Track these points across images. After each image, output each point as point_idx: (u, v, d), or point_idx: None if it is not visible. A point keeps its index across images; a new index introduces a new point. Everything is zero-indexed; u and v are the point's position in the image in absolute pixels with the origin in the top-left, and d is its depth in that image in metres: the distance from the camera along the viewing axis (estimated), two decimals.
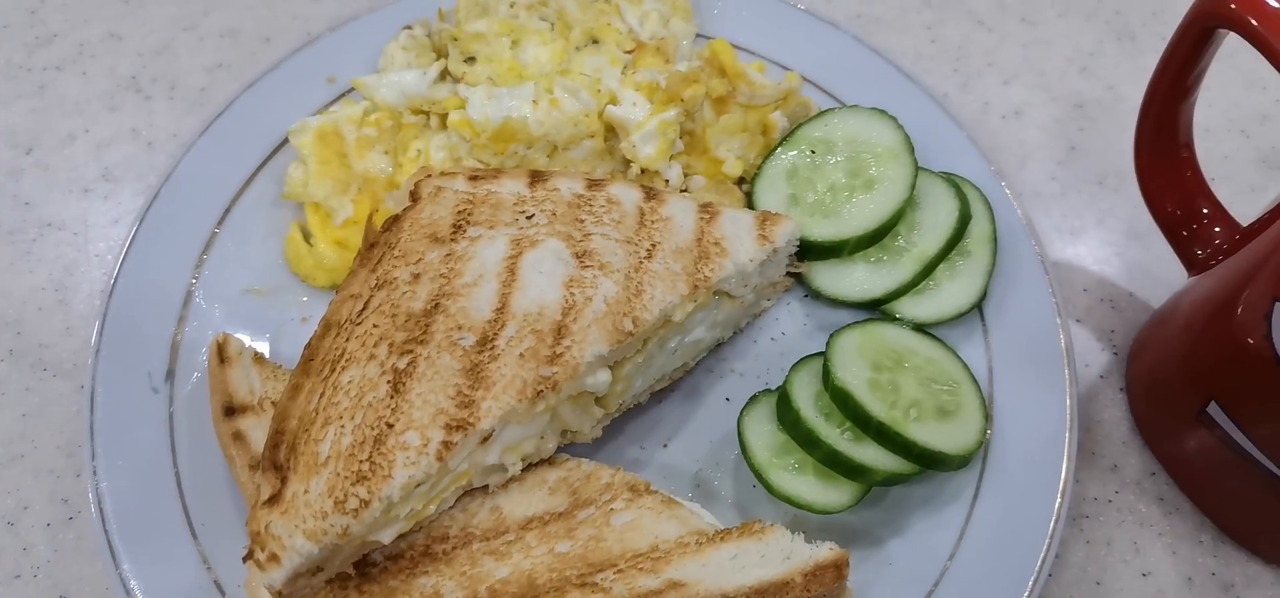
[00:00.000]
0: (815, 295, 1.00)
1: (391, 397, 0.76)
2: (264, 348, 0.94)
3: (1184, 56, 0.86)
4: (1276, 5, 0.76)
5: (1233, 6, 0.78)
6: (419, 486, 0.73)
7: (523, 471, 0.83)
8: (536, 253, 0.87)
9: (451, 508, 0.80)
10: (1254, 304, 0.79)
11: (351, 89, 1.05)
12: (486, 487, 0.81)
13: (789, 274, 1.00)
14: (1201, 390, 0.87)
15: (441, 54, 1.04)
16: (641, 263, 0.88)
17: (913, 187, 0.97)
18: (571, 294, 0.84)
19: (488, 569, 0.76)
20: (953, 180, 0.99)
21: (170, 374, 0.92)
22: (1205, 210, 0.94)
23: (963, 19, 1.22)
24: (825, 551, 0.79)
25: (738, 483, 0.91)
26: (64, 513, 0.92)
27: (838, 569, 0.78)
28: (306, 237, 0.98)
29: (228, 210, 1.00)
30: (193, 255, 0.97)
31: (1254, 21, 0.76)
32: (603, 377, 0.82)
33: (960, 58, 1.19)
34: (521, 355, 0.79)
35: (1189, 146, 0.93)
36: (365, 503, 0.70)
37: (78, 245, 1.06)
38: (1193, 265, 0.94)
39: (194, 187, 1.00)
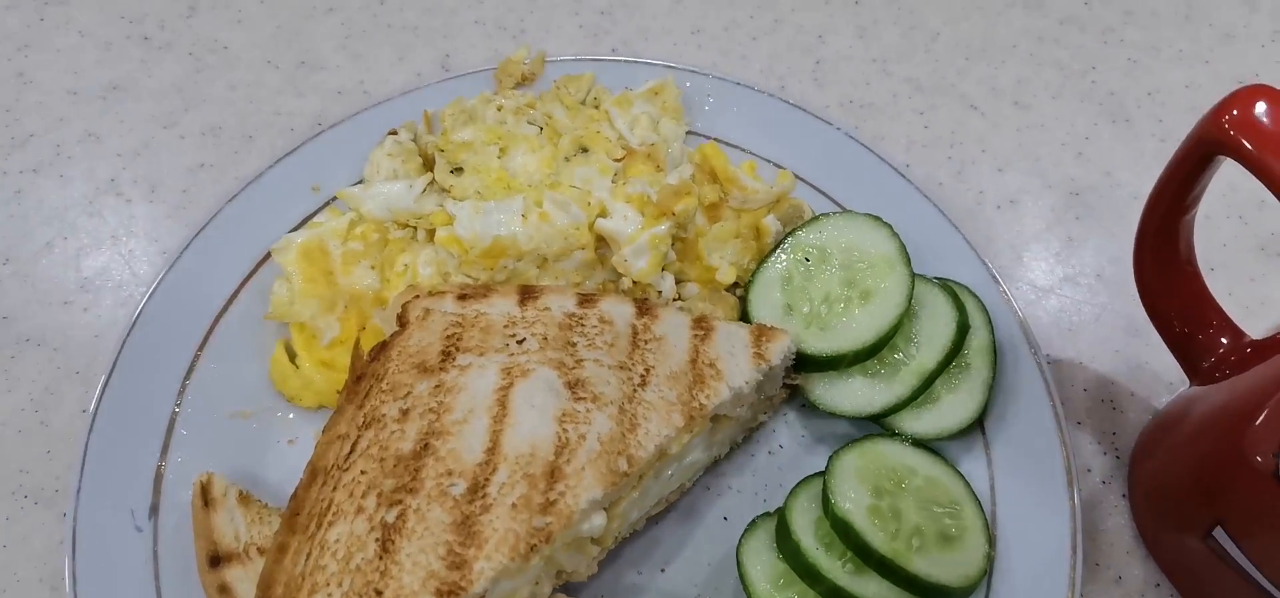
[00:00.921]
0: (812, 407, 0.98)
1: (380, 558, 0.73)
2: (250, 474, 0.92)
3: (1182, 179, 0.84)
4: (1275, 130, 0.75)
5: (1232, 134, 0.76)
6: None
7: None
8: (528, 385, 0.85)
9: None
10: (1266, 431, 0.77)
11: (335, 198, 1.02)
12: None
13: (785, 385, 0.98)
14: (1207, 513, 0.86)
15: (428, 162, 1.02)
16: (635, 391, 0.86)
17: (910, 299, 0.95)
18: (564, 431, 0.82)
19: None
20: (950, 288, 0.98)
21: (154, 510, 0.89)
22: (1212, 322, 0.92)
23: (955, 104, 1.21)
24: None
25: None
26: None
27: None
28: (292, 356, 0.96)
29: (210, 331, 0.97)
30: (176, 380, 0.95)
31: (1253, 149, 0.75)
32: (598, 521, 0.80)
33: (954, 144, 1.18)
34: (514, 505, 0.77)
35: (1191, 260, 0.92)
36: None
37: (58, 362, 1.03)
38: (1196, 375, 0.93)
39: (175, 307, 0.97)
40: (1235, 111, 0.76)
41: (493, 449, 0.81)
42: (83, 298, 1.07)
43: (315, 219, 1.02)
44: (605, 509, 0.82)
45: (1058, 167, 1.17)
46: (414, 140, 1.04)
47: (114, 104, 1.19)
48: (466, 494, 0.78)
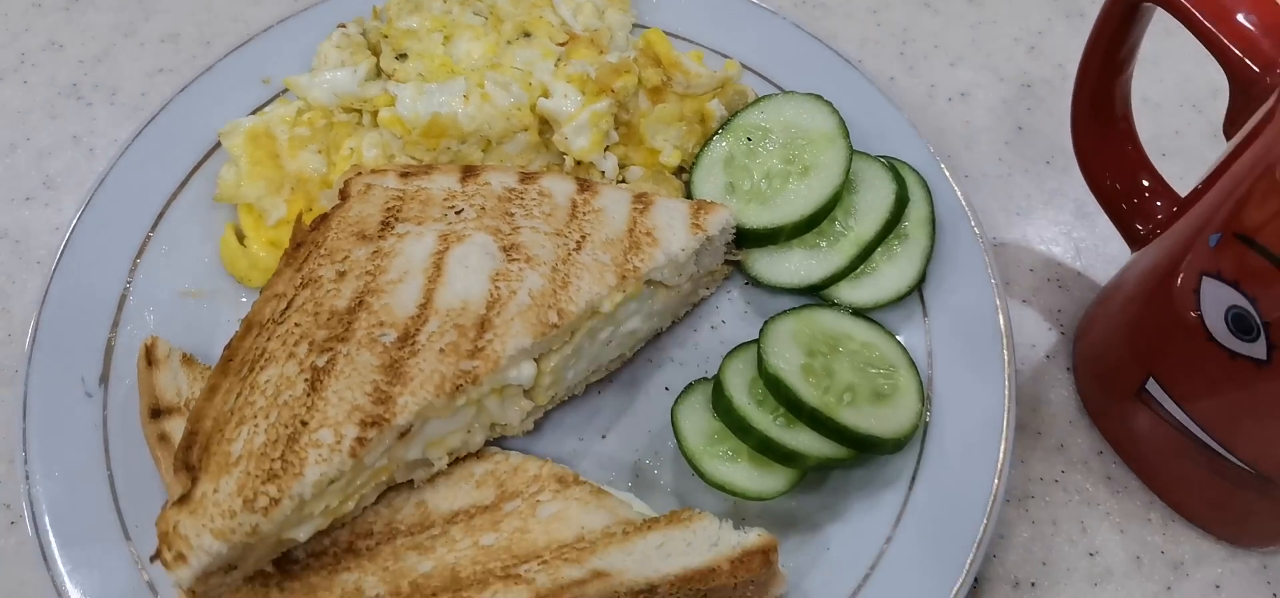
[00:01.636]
0: (755, 283, 0.99)
1: (308, 395, 0.75)
2: (200, 350, 0.93)
3: (1112, 33, 0.85)
4: None
5: None
6: (332, 482, 0.72)
7: (449, 465, 0.82)
8: (463, 248, 0.87)
9: (376, 504, 0.79)
10: (1185, 279, 0.78)
11: (286, 90, 1.04)
12: (411, 482, 0.81)
13: (727, 262, 0.99)
14: (1140, 367, 0.86)
15: (375, 52, 1.04)
16: (570, 255, 0.87)
17: (847, 172, 0.96)
18: (496, 288, 0.84)
19: (411, 564, 0.76)
20: (891, 164, 0.98)
21: (104, 379, 0.91)
22: (1146, 184, 0.93)
23: (909, 3, 1.21)
24: (753, 537, 0.78)
25: (677, 472, 0.90)
26: (6, 518, 0.91)
27: (765, 555, 0.77)
28: (241, 238, 0.98)
29: (162, 214, 0.99)
30: (126, 260, 0.97)
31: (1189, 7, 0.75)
32: (527, 370, 0.81)
33: (906, 41, 1.18)
34: (442, 350, 0.78)
35: (1127, 119, 0.92)
36: (275, 501, 0.69)
37: (19, 253, 1.05)
38: (1134, 241, 0.93)
39: (127, 191, 0.99)
40: None
41: (425, 304, 0.82)
42: (45, 194, 1.09)
43: (266, 109, 1.04)
44: (535, 361, 0.83)
45: (1010, 61, 1.17)
46: (363, 34, 1.06)
47: (77, 15, 1.22)
48: (397, 342, 0.79)
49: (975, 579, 0.89)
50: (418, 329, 0.80)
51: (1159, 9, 0.79)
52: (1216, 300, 0.74)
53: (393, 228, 0.89)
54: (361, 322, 0.81)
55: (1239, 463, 0.80)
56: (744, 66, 1.08)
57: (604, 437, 0.93)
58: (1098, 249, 1.05)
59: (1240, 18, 0.73)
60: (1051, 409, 0.98)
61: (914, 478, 0.87)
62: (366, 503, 0.78)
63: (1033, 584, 0.89)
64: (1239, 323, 0.72)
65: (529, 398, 0.86)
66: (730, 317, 0.99)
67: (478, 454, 0.84)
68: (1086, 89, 0.90)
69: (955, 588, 0.80)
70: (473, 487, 0.81)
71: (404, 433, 0.75)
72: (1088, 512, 0.93)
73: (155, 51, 1.18)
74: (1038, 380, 0.99)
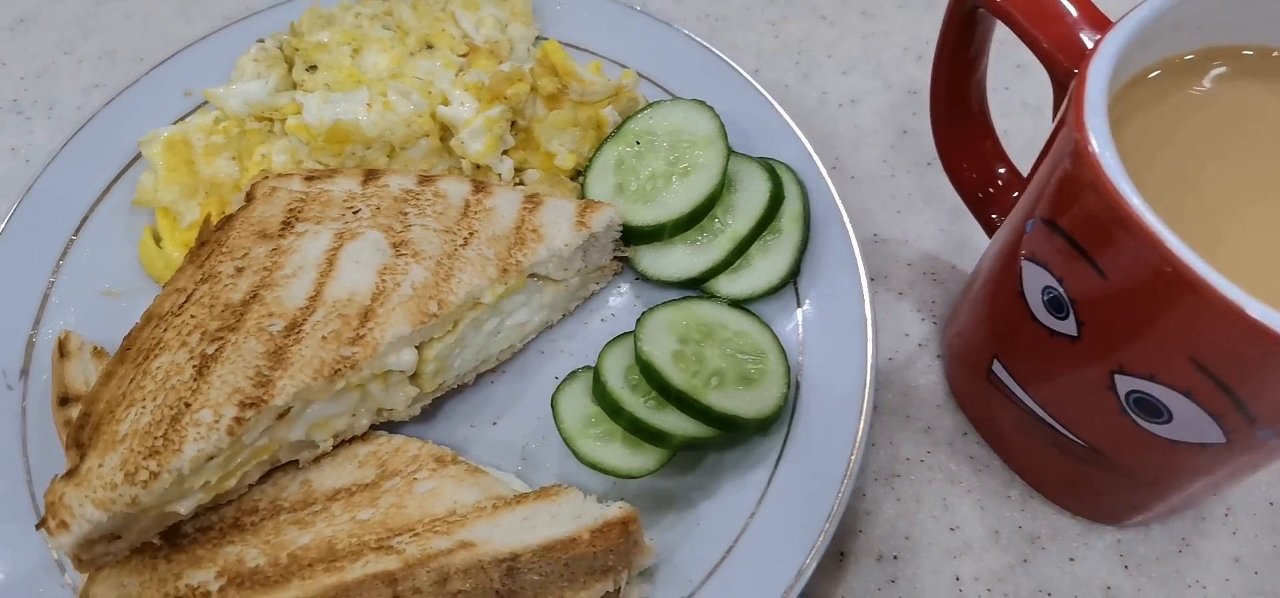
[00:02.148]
0: (643, 278, 1.05)
1: (195, 379, 0.81)
2: (115, 345, 0.99)
3: (955, 37, 0.91)
4: None
5: None
6: (211, 459, 0.78)
7: (336, 447, 0.88)
8: (355, 244, 0.93)
9: (262, 483, 0.85)
10: (1012, 264, 0.84)
11: (206, 101, 1.11)
12: (297, 462, 0.87)
13: (616, 259, 1.05)
14: (988, 351, 0.92)
15: (290, 64, 1.10)
16: (456, 250, 0.94)
17: (725, 171, 1.02)
18: (383, 281, 0.90)
19: (291, 537, 0.81)
20: (769, 164, 1.05)
21: (25, 372, 0.97)
22: (1001, 173, 0.99)
23: (806, 15, 1.28)
24: (614, 510, 0.84)
25: (561, 456, 0.96)
26: None
27: (624, 527, 0.83)
28: (158, 240, 1.04)
29: (85, 219, 1.05)
30: (50, 262, 1.03)
31: (1006, 5, 0.81)
32: (407, 356, 0.87)
33: (801, 51, 1.25)
34: (324, 338, 0.84)
35: (983, 114, 0.98)
36: (155, 475, 0.75)
37: None
38: (990, 230, 1.00)
39: (54, 197, 1.06)
40: None
41: (315, 297, 0.89)
42: None
43: (188, 119, 1.10)
44: (417, 348, 0.89)
45: (899, 69, 1.24)
46: (280, 48, 1.13)
47: (20, 35, 1.29)
48: (284, 331, 0.85)
49: (841, 553, 0.95)
50: (305, 319, 0.86)
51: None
52: (1034, 282, 0.80)
53: (293, 227, 0.95)
54: (253, 313, 0.87)
55: (1076, 440, 0.86)
56: (641, 75, 1.14)
57: (495, 423, 0.98)
58: (971, 243, 1.11)
59: (1055, 16, 0.79)
60: (921, 394, 1.03)
61: (780, 457, 0.93)
62: (251, 480, 0.84)
63: (895, 557, 0.95)
64: (1053, 304, 0.78)
65: (414, 384, 0.92)
66: (619, 310, 1.05)
67: (364, 437, 0.90)
68: (940, 89, 0.96)
69: (808, 555, 0.85)
70: (355, 466, 0.87)
71: (283, 414, 0.81)
72: (950, 490, 0.98)
73: (93, 68, 1.25)
74: (910, 367, 1.05)
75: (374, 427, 0.91)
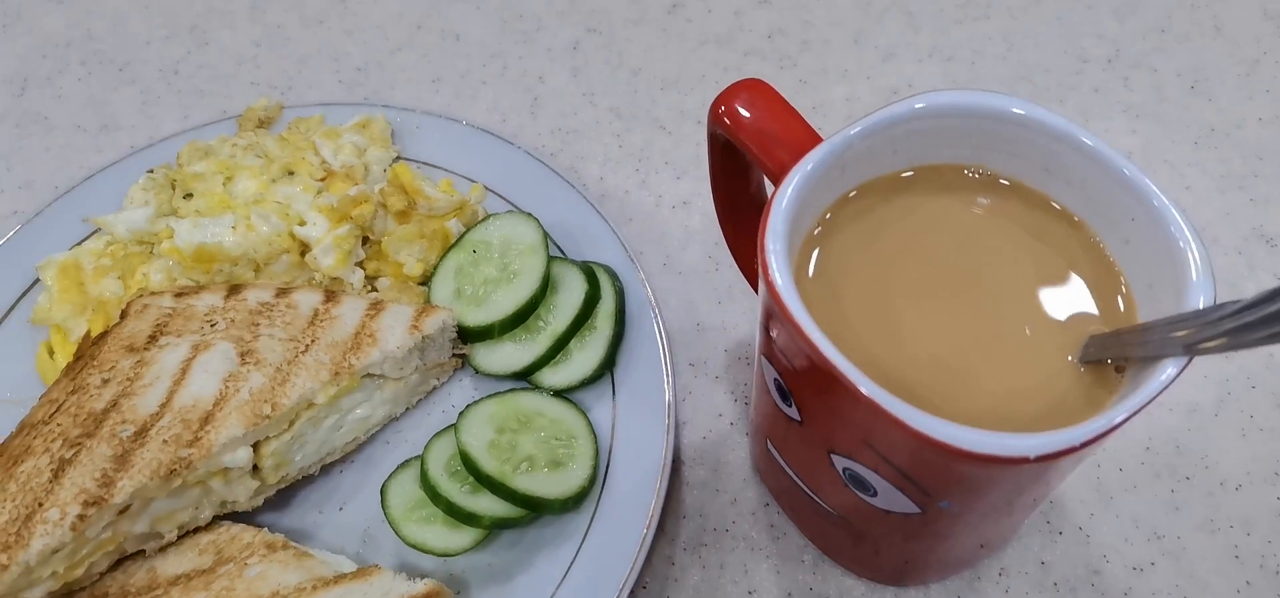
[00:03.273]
0: (479, 372, 1.18)
1: (51, 482, 0.94)
2: None
3: (717, 159, 1.04)
4: (748, 115, 0.94)
5: (724, 121, 0.96)
6: (56, 552, 0.90)
7: (181, 536, 1.00)
8: (207, 355, 1.06)
9: (112, 570, 0.97)
10: (762, 359, 0.96)
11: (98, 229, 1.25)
12: (144, 551, 0.99)
13: (455, 355, 1.18)
14: (762, 432, 1.04)
15: (173, 192, 1.25)
16: (297, 356, 1.07)
17: (546, 276, 1.15)
18: (226, 388, 1.03)
19: None
20: (588, 267, 1.18)
21: None
22: None
23: (648, 126, 1.42)
24: (420, 586, 0.95)
25: (398, 541, 1.08)
26: None
27: None
28: (51, 353, 1.18)
29: None
30: None
31: (732, 130, 0.95)
32: (242, 454, 1.00)
33: (642, 159, 1.39)
34: (165, 441, 0.97)
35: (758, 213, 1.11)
36: (4, 567, 0.87)
37: None
38: None
39: None
40: (723, 106, 0.95)
41: (165, 404, 1.01)
42: None
43: (84, 244, 1.25)
44: (254, 446, 1.01)
45: None
46: (167, 177, 1.27)
47: None
48: (133, 437, 0.98)
49: None
50: (153, 425, 0.99)
51: None
52: (769, 372, 0.92)
53: (157, 340, 1.09)
54: (110, 420, 1.00)
55: (827, 508, 0.97)
56: (488, 189, 1.28)
57: (341, 509, 1.10)
58: None
59: (776, 143, 0.92)
60: (730, 469, 1.15)
61: (588, 531, 1.05)
62: (99, 569, 0.96)
63: None
64: (780, 392, 0.90)
65: (257, 477, 1.04)
66: (460, 401, 1.18)
67: (208, 527, 1.02)
68: (720, 195, 1.09)
69: None
70: (196, 554, 0.99)
71: (125, 510, 0.94)
72: (751, 556, 1.09)
73: (12, 197, 1.40)
74: (722, 444, 1.17)
75: (221, 517, 1.03)
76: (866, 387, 0.74)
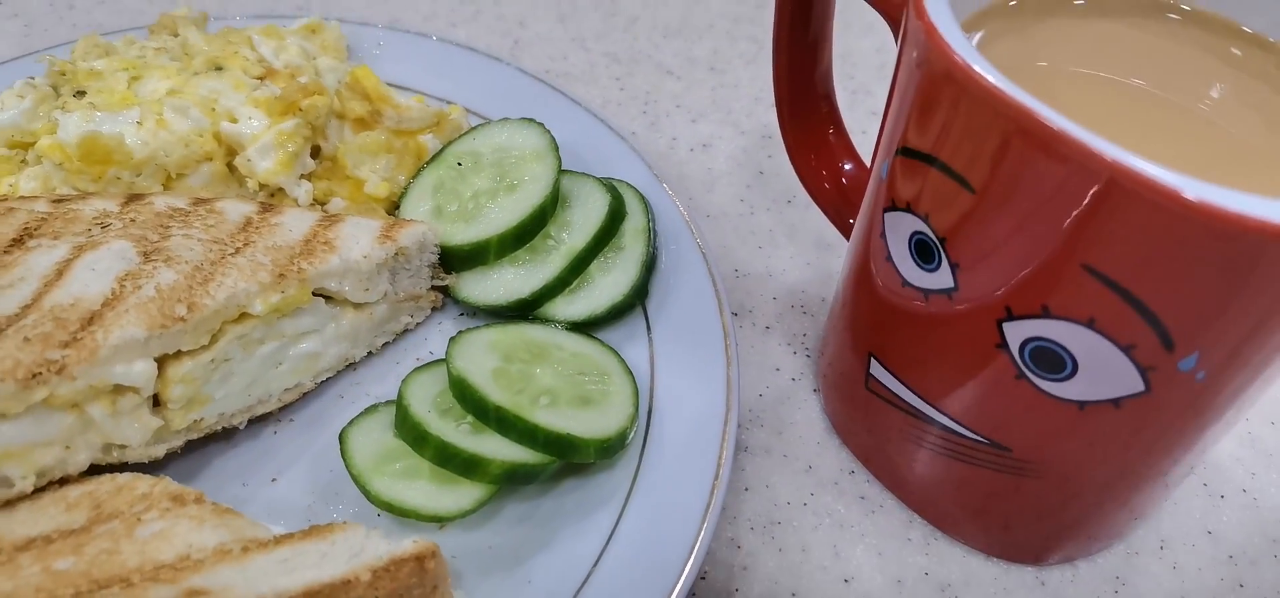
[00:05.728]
0: (467, 309, 0.90)
1: None
2: None
3: (791, 16, 0.83)
4: None
5: None
6: None
7: (42, 489, 0.67)
8: (94, 254, 0.75)
9: None
10: (874, 229, 0.72)
11: None
12: None
13: (435, 288, 0.90)
14: (862, 352, 0.79)
15: (58, 94, 0.95)
16: (224, 257, 0.77)
17: (556, 183, 0.90)
18: (120, 286, 0.72)
19: None
20: (605, 180, 0.93)
21: None
22: (850, 169, 0.90)
23: (652, 71, 1.21)
24: (405, 545, 0.65)
25: (357, 515, 0.76)
26: None
27: (420, 563, 0.64)
28: None
29: None
30: None
31: None
32: (140, 368, 0.68)
33: (649, 102, 1.17)
34: (27, 339, 0.65)
35: (829, 105, 0.89)
36: None
37: None
38: (847, 233, 0.89)
39: None
40: None
41: (30, 305, 0.70)
42: None
43: None
44: (158, 363, 0.70)
45: (750, 116, 1.17)
46: (51, 83, 0.98)
47: None
48: None
49: None
50: (9, 325, 0.67)
51: None
52: (899, 234, 0.68)
53: (24, 244, 0.77)
54: None
55: (972, 435, 0.72)
56: (469, 110, 1.03)
57: (274, 480, 0.79)
58: (839, 273, 1.00)
59: None
60: (798, 431, 0.89)
61: (629, 496, 0.76)
62: None
63: None
64: (922, 250, 0.66)
65: (158, 414, 0.72)
66: (440, 349, 0.88)
67: (81, 477, 0.69)
68: (782, 84, 0.87)
69: None
70: (62, 510, 0.66)
71: None
72: (840, 535, 0.82)
73: None
74: (784, 403, 0.91)
75: (102, 468, 0.70)
76: (1111, 151, 0.51)
